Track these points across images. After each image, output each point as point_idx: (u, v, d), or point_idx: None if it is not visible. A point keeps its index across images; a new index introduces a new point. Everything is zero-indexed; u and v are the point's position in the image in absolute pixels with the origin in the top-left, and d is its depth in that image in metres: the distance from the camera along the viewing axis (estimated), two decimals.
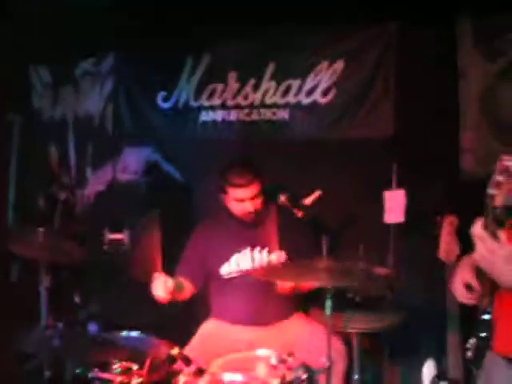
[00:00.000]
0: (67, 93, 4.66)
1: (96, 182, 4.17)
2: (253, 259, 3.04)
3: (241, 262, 3.04)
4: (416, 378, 3.18)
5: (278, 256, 3.05)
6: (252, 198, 2.95)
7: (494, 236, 1.65)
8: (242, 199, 2.95)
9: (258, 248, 3.06)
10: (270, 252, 3.06)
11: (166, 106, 4.19)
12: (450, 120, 3.48)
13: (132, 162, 3.95)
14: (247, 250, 3.05)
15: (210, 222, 3.21)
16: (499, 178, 1.60)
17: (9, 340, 1.96)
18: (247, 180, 2.93)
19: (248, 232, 3.07)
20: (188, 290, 3.01)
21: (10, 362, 1.87)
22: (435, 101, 3.49)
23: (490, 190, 1.62)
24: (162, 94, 4.20)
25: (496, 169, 1.62)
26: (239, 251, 3.04)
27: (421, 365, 3.13)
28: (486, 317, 2.02)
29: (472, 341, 2.10)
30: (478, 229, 1.66)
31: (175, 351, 2.18)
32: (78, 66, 4.56)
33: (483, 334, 2.02)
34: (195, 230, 3.19)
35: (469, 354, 2.12)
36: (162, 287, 2.69)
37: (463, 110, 3.49)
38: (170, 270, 3.01)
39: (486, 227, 1.66)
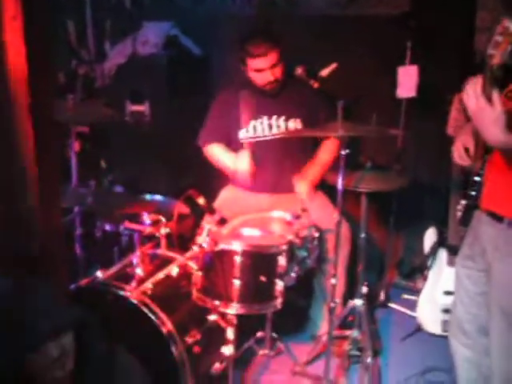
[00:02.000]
0: None
1: (116, 56, 4.21)
2: (270, 126, 3.12)
3: (258, 128, 3.13)
4: (418, 244, 3.42)
5: (294, 124, 3.14)
6: (271, 67, 2.99)
7: (489, 98, 1.80)
8: (261, 69, 3.00)
9: (275, 116, 3.13)
10: (287, 120, 3.13)
11: None
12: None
13: (152, 36, 3.99)
14: (265, 117, 3.12)
15: (229, 91, 3.27)
16: (498, 38, 1.73)
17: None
18: (264, 49, 2.96)
19: (266, 101, 3.14)
20: None
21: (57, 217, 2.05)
22: None
23: (490, 51, 1.75)
24: None
25: (496, 31, 1.74)
26: (257, 118, 3.12)
27: (423, 231, 3.36)
28: (477, 178, 2.16)
29: (463, 202, 2.27)
30: (475, 86, 1.81)
31: (201, 200, 2.36)
32: None
33: (472, 193, 2.18)
34: (215, 100, 3.27)
35: (458, 213, 2.30)
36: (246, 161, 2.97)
37: None
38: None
39: (483, 89, 1.80)
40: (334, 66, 2.95)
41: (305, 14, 3.84)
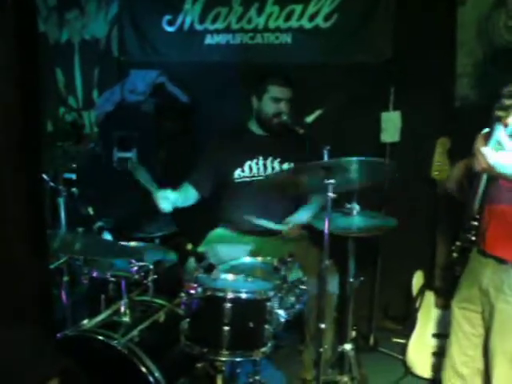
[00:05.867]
0: (73, 17, 4.72)
1: (104, 103, 4.28)
2: (265, 167, 3.23)
3: (254, 168, 3.22)
4: (406, 286, 3.44)
5: (289, 167, 3.22)
6: (286, 100, 3.16)
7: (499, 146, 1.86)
8: (279, 98, 3.15)
9: (270, 157, 3.24)
10: (282, 162, 3.24)
11: (170, 29, 4.26)
12: (446, 46, 3.57)
13: (139, 84, 4.05)
14: (260, 157, 3.23)
15: (224, 133, 3.37)
16: (507, 101, 1.82)
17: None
18: (289, 83, 3.19)
19: (262, 142, 3.26)
20: (192, 198, 3.25)
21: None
22: (433, 27, 3.59)
23: (499, 113, 1.82)
24: (166, 18, 4.26)
25: (503, 94, 1.83)
26: (253, 158, 3.22)
27: (411, 274, 3.38)
28: (475, 223, 2.21)
29: (457, 243, 2.31)
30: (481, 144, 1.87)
31: (189, 247, 2.36)
32: None
33: (471, 237, 2.23)
34: (210, 142, 3.34)
35: (454, 254, 2.34)
36: (164, 200, 3.00)
37: (460, 36, 3.58)
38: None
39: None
40: (318, 112, 3.01)
41: (289, 62, 3.90)
